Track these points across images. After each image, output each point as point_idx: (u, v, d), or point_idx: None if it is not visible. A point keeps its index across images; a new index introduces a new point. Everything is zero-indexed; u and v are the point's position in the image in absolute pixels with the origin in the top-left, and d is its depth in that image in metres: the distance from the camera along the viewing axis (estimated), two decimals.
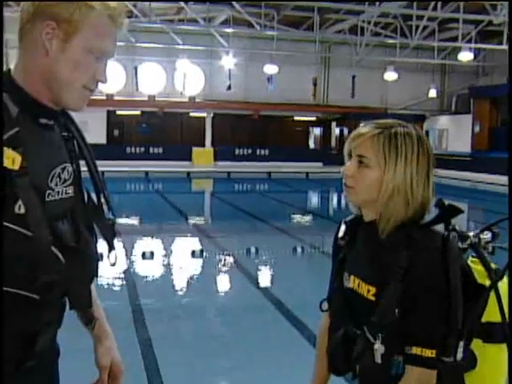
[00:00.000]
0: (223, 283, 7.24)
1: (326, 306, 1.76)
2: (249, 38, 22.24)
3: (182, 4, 17.41)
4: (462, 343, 1.47)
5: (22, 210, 1.29)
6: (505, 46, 18.07)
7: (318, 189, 20.04)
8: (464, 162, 22.38)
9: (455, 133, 25.28)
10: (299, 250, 8.94)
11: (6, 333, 1.33)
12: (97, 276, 1.53)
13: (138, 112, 24.89)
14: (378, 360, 1.50)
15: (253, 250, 8.44)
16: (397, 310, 1.47)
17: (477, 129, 24.46)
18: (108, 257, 1.58)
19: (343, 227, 1.73)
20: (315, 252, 9.16)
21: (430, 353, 1.45)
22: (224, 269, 7.74)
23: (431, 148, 1.59)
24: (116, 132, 25.42)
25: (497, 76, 24.12)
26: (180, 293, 6.65)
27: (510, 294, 1.45)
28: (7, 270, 1.29)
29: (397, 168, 1.52)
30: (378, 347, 1.49)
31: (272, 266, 7.98)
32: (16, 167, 1.28)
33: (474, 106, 24.78)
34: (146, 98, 23.67)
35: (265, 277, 7.54)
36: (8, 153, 1.27)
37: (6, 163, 1.27)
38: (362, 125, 1.63)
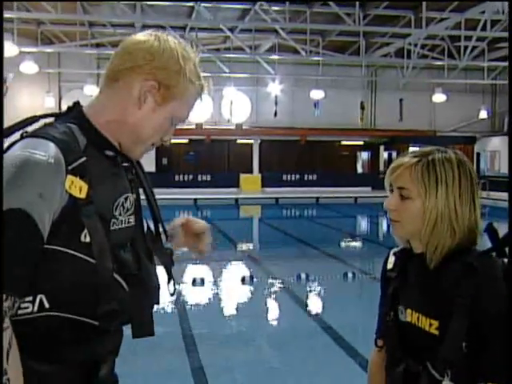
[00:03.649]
0: (273, 309, 7.19)
1: (381, 342, 1.69)
2: (294, 64, 22.38)
3: (228, 33, 17.70)
4: None
5: (88, 239, 1.31)
6: None
7: (367, 214, 19.80)
8: None
9: (508, 154, 24.67)
10: (349, 275, 8.81)
11: (70, 361, 1.35)
12: (158, 303, 1.54)
13: (185, 140, 25.27)
14: None
15: (303, 275, 8.37)
16: (464, 344, 1.40)
17: None
18: (168, 286, 1.61)
19: (392, 259, 1.67)
20: (365, 277, 9.01)
21: None
22: (274, 295, 7.70)
23: (474, 171, 1.55)
24: (165, 160, 25.84)
25: None
26: (230, 319, 6.64)
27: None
28: (73, 298, 1.31)
29: (438, 195, 1.48)
30: None
31: (322, 292, 7.88)
32: (83, 196, 1.31)
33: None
34: (193, 127, 24.05)
35: (315, 303, 7.46)
36: (75, 181, 1.30)
37: (74, 191, 1.30)
38: (410, 149, 1.59)
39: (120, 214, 1.43)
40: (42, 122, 1.41)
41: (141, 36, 1.45)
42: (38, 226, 1.22)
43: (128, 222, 1.47)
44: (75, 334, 1.33)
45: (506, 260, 1.43)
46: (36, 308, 1.28)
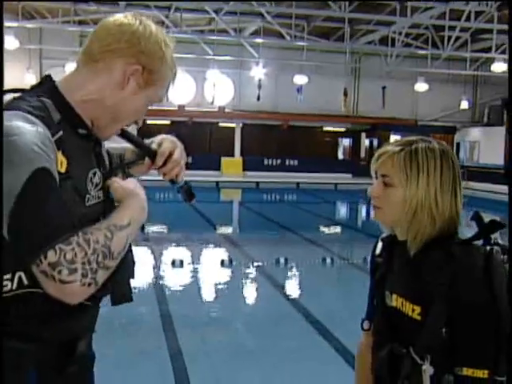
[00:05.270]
0: (251, 293, 7.23)
1: (367, 324, 1.73)
2: (279, 49, 22.30)
3: (213, 15, 17.56)
4: None
5: None
6: None
7: (347, 200, 19.92)
8: (498, 174, 22.04)
9: (487, 145, 24.91)
10: (328, 260, 8.89)
11: (49, 338, 1.35)
12: (133, 278, 1.53)
13: (167, 122, 25.11)
14: (427, 382, 1.45)
15: (281, 260, 8.42)
16: (444, 330, 1.43)
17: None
18: None
19: (380, 245, 1.71)
20: (343, 263, 9.09)
21: (481, 373, 1.41)
22: (253, 278, 7.74)
23: (457, 162, 1.57)
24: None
25: None
26: (209, 302, 6.67)
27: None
28: None
29: (419, 183, 1.51)
30: (427, 368, 1.45)
31: (300, 277, 7.94)
32: (62, 170, 1.29)
33: (507, 117, 24.37)
34: (175, 108, 23.88)
35: (293, 287, 7.51)
36: (58, 155, 1.28)
37: (57, 165, 1.27)
38: (391, 137, 1.60)
39: (91, 190, 1.42)
40: (9, 96, 1.37)
41: (124, 18, 1.43)
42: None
43: (98, 198, 1.46)
44: (53, 311, 1.32)
45: (492, 247, 1.45)
46: (15, 285, 1.27)
